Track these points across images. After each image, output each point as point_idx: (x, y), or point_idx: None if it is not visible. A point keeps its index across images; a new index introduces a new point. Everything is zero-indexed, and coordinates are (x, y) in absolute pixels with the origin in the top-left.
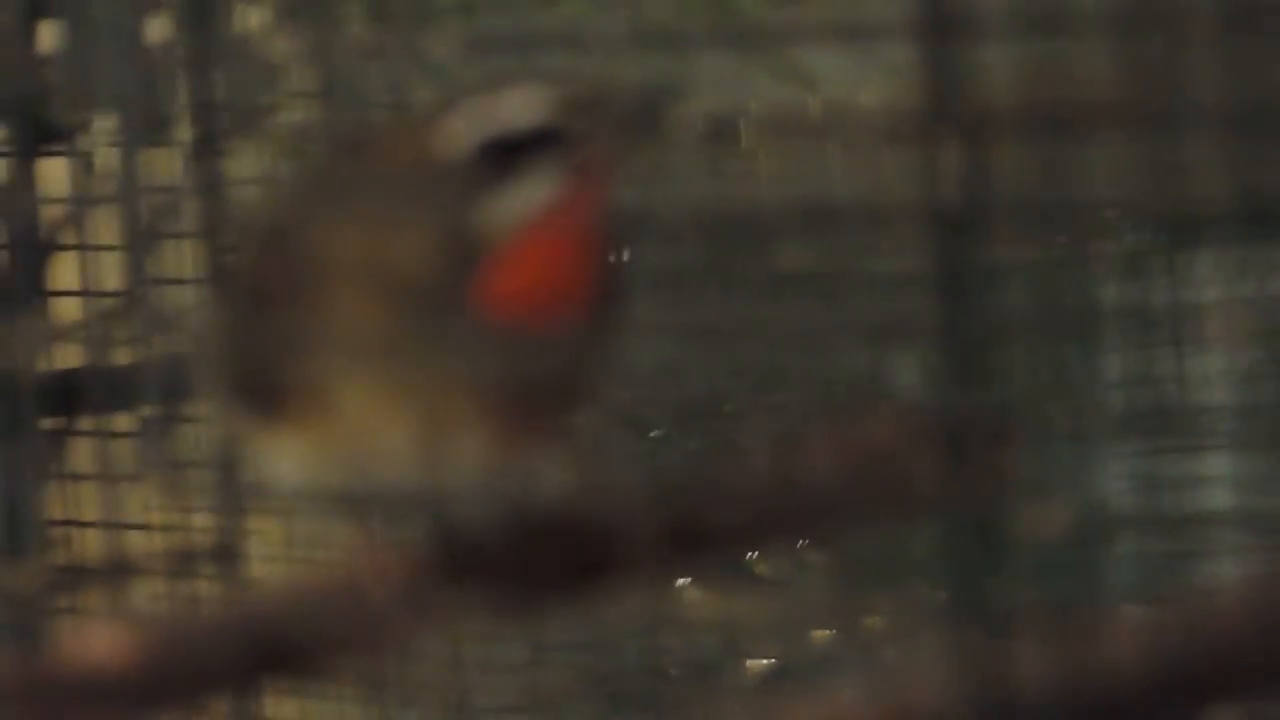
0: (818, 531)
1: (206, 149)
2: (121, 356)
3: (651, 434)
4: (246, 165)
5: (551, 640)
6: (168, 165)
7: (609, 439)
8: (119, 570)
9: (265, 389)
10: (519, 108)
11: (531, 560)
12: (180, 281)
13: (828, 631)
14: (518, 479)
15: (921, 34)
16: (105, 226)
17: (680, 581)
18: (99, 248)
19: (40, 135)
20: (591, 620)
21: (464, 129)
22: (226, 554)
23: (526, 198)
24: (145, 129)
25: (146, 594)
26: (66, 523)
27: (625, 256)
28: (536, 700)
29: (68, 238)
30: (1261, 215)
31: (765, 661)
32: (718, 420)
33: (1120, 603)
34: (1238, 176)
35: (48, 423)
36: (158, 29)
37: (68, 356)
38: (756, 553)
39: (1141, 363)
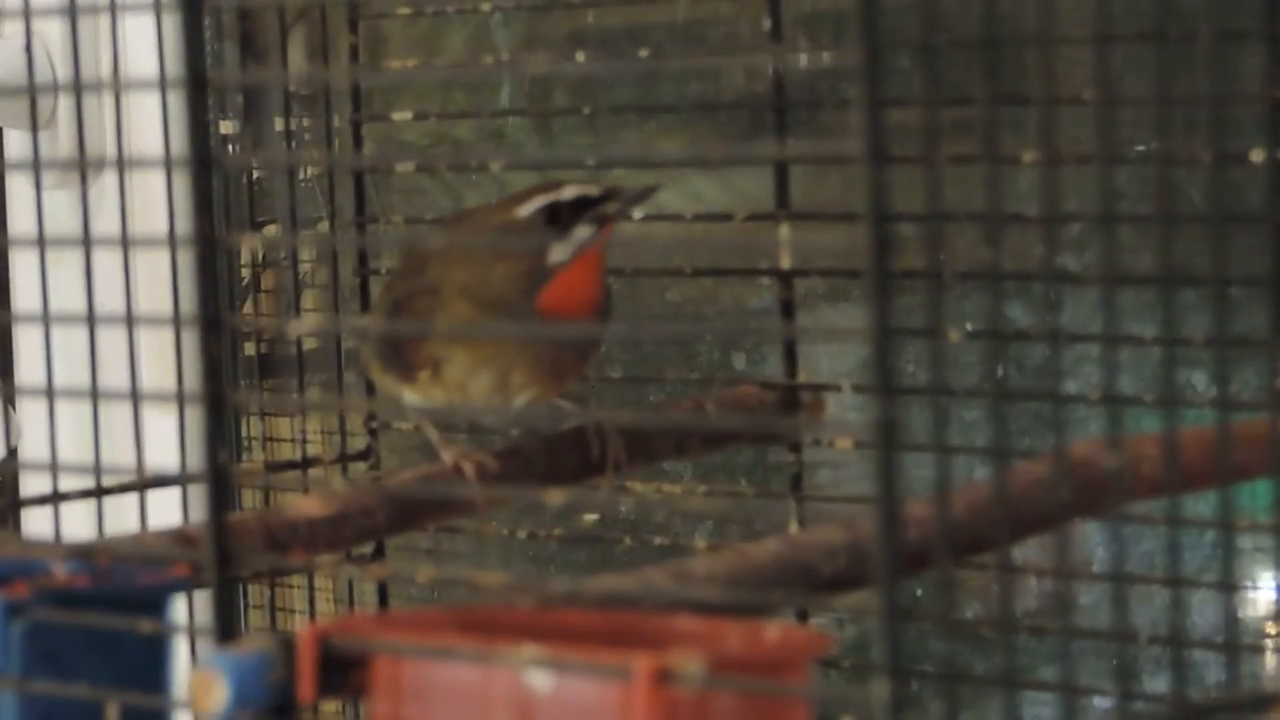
0: (715, 445)
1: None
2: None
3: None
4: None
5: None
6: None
7: (597, 390)
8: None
9: (403, 361)
10: (566, 191)
11: (551, 458)
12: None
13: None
14: (550, 412)
15: None
16: None
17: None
18: None
19: None
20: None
21: (533, 202)
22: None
23: (572, 244)
24: None
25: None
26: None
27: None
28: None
29: None
30: None
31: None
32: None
33: None
34: None
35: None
36: None
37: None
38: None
39: None
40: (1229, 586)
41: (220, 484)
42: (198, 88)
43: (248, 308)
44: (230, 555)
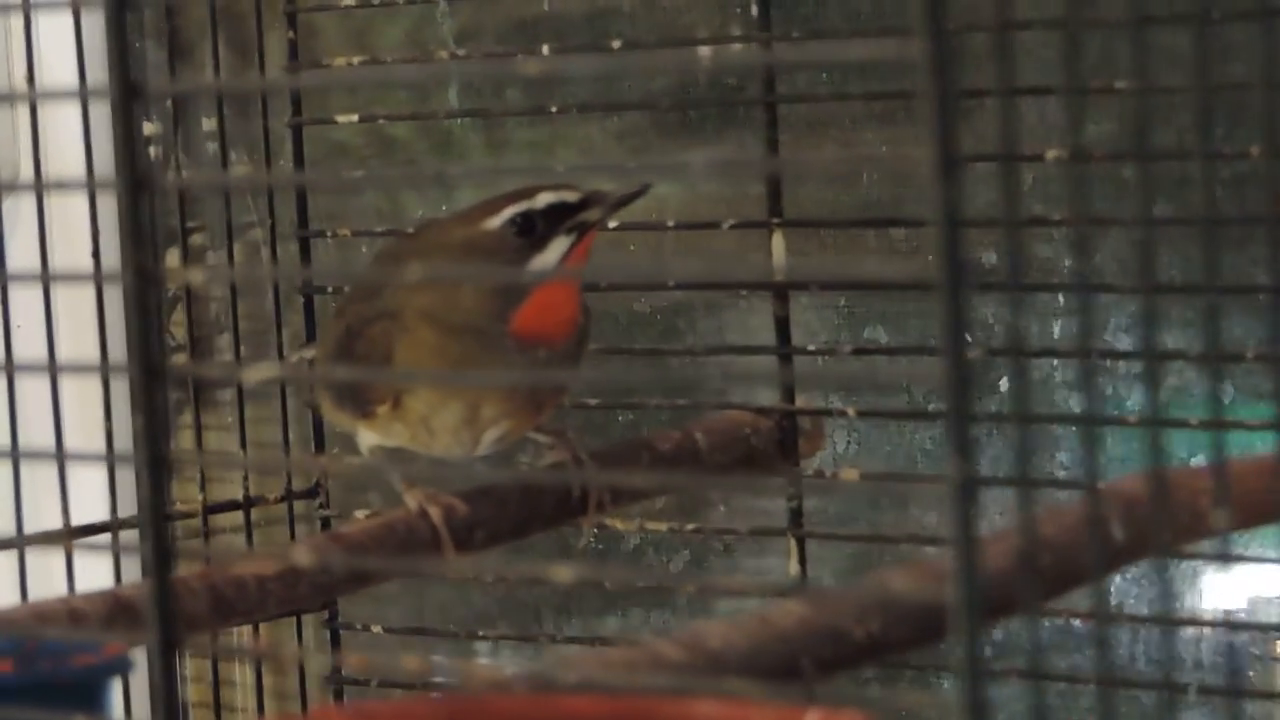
0: (704, 482)
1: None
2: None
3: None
4: None
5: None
6: None
7: (575, 421)
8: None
9: (358, 395)
10: (540, 198)
11: (527, 499)
12: None
13: None
14: (523, 448)
15: None
16: None
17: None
18: None
19: None
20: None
21: (503, 212)
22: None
23: (549, 258)
24: None
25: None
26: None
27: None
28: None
29: None
30: None
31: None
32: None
33: None
34: None
35: None
36: None
37: None
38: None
39: None
40: None
41: (164, 566)
42: (128, 97)
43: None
44: (176, 640)
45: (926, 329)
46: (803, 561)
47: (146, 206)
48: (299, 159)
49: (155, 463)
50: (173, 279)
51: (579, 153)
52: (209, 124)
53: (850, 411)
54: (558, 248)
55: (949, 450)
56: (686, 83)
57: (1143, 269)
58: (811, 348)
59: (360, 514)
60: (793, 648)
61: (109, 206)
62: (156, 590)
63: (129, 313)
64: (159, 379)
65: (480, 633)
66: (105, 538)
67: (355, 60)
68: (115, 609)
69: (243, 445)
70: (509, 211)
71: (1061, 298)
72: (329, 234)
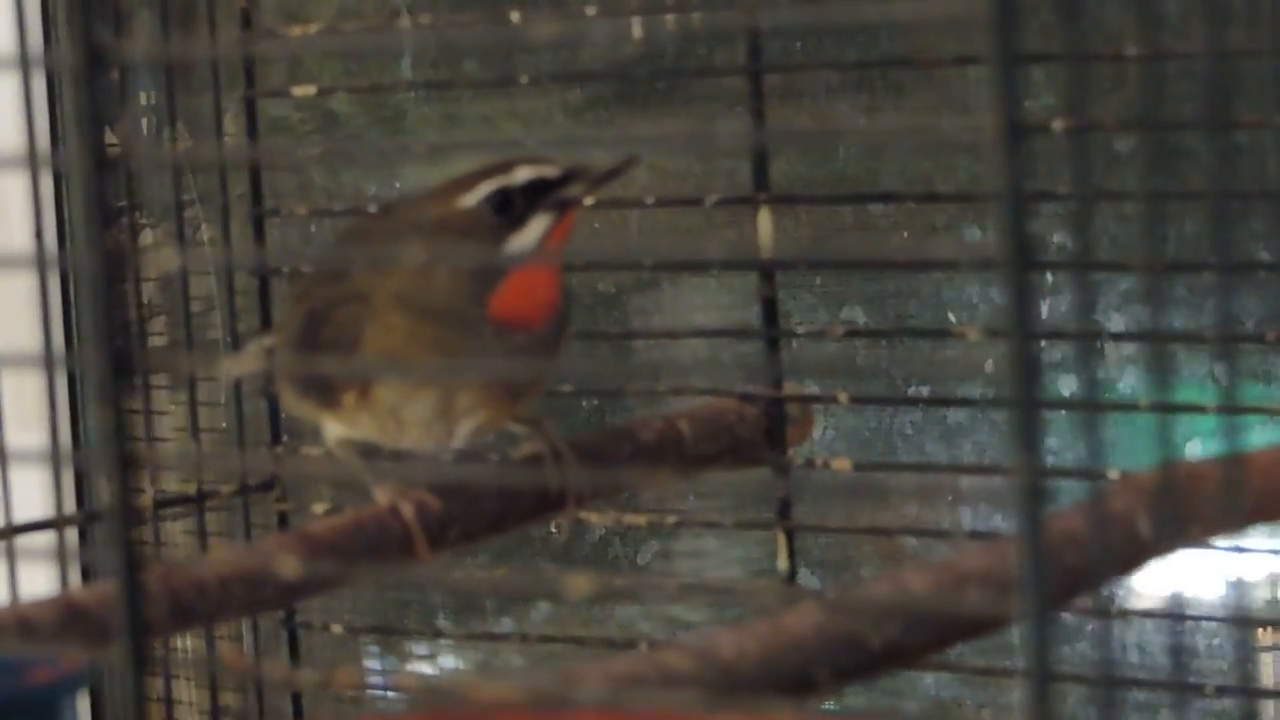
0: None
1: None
2: None
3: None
4: None
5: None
6: None
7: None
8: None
9: (323, 383)
10: (518, 173)
11: (503, 494)
12: None
13: None
14: (500, 441)
15: None
16: None
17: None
18: None
19: None
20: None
21: (479, 189)
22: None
23: (529, 238)
24: None
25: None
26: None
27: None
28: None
29: None
30: None
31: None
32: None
33: None
34: None
35: None
36: None
37: None
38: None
39: None
40: None
41: (136, 577)
42: (93, 64)
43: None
44: (148, 655)
45: (904, 309)
46: (792, 555)
47: (111, 185)
48: (252, 134)
49: (124, 463)
50: (146, 265)
51: (533, 128)
52: (147, 98)
53: (842, 398)
54: (537, 226)
55: (1015, 443)
56: (653, 52)
57: (1220, 246)
58: (800, 330)
59: (318, 508)
60: (807, 656)
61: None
62: (128, 601)
63: (93, 302)
64: (127, 373)
65: (441, 630)
66: (50, 537)
67: (311, 29)
68: (69, 616)
69: (195, 436)
70: (485, 188)
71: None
72: (286, 212)
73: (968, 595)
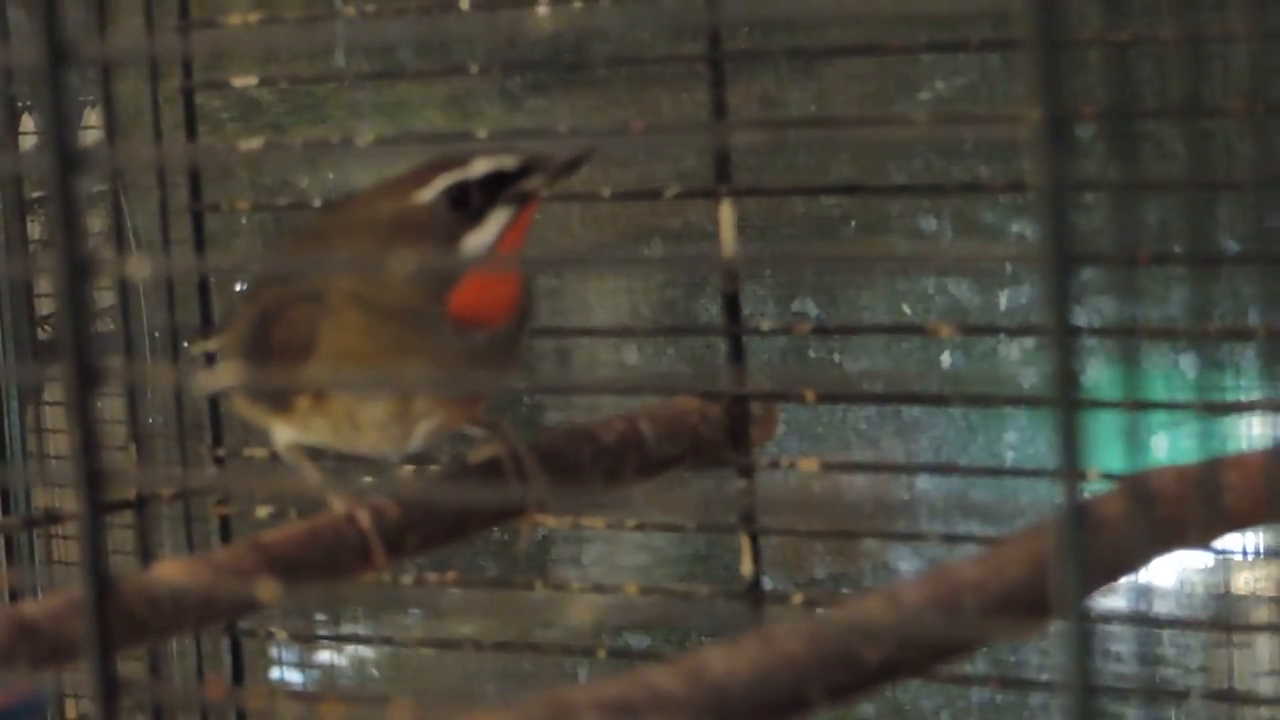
0: (652, 473)
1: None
2: None
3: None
4: None
5: None
6: None
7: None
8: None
9: (273, 391)
10: (476, 165)
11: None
12: None
13: None
14: (457, 443)
15: None
16: None
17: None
18: None
19: None
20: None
21: (435, 183)
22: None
23: (488, 233)
24: None
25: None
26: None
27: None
28: None
29: None
30: None
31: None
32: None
33: None
34: None
35: None
36: None
37: None
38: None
39: None
40: None
41: (104, 605)
42: (58, 61)
43: None
44: (118, 689)
45: (859, 302)
46: (756, 559)
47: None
48: (191, 128)
49: (93, 479)
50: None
51: (471, 115)
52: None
53: (809, 395)
54: (496, 221)
55: (1058, 443)
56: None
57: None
58: (766, 326)
59: (261, 511)
60: (800, 675)
61: None
62: (97, 630)
63: (63, 310)
64: (94, 384)
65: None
66: None
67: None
68: (18, 635)
69: (134, 439)
70: (441, 182)
71: None
72: (227, 207)
73: (964, 607)
